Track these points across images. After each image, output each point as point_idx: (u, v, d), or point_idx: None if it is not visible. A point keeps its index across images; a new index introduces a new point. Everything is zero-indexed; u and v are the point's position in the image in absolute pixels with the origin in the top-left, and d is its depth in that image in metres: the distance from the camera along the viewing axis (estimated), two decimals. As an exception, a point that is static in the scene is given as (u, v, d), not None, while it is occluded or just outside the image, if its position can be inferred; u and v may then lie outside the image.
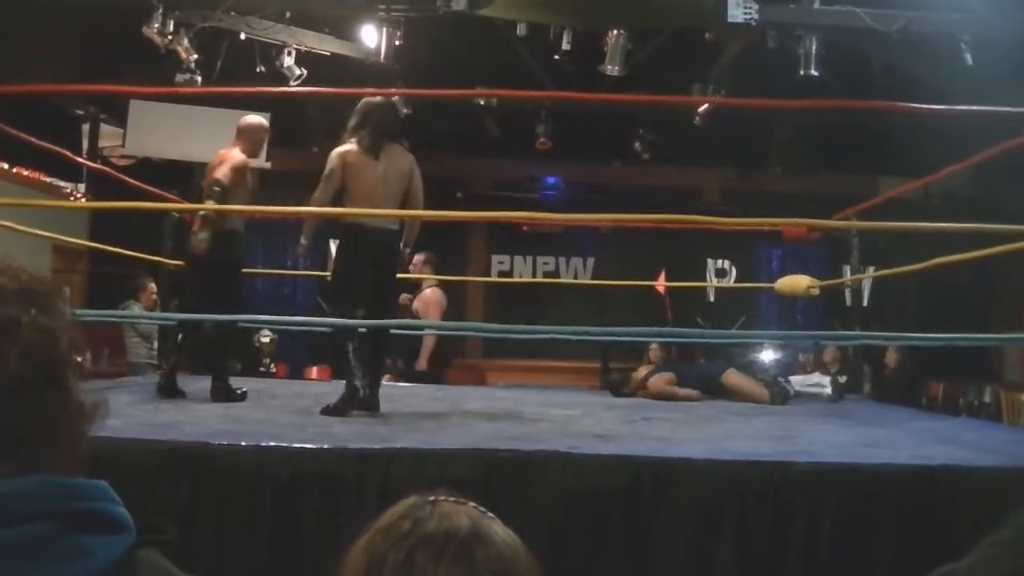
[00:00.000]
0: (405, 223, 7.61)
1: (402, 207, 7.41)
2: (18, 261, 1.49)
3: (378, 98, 7.76)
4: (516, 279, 16.70)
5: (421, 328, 11.07)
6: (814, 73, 11.04)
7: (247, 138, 8.53)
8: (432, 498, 1.46)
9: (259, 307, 15.36)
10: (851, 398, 10.77)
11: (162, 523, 1.52)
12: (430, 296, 11.54)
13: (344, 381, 7.16)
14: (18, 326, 1.38)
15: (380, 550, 1.39)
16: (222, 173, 7.98)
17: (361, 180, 7.35)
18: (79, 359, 1.49)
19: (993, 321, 15.34)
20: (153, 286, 12.53)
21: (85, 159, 13.95)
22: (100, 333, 13.88)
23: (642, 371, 10.61)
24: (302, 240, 7.86)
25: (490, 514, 1.47)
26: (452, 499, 1.46)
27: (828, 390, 10.83)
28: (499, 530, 1.43)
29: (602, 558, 4.51)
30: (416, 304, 11.54)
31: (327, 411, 6.85)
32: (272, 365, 13.81)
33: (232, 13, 11.34)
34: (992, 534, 1.71)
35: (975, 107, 8.95)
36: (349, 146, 7.42)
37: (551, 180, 16.81)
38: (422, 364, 11.40)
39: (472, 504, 1.47)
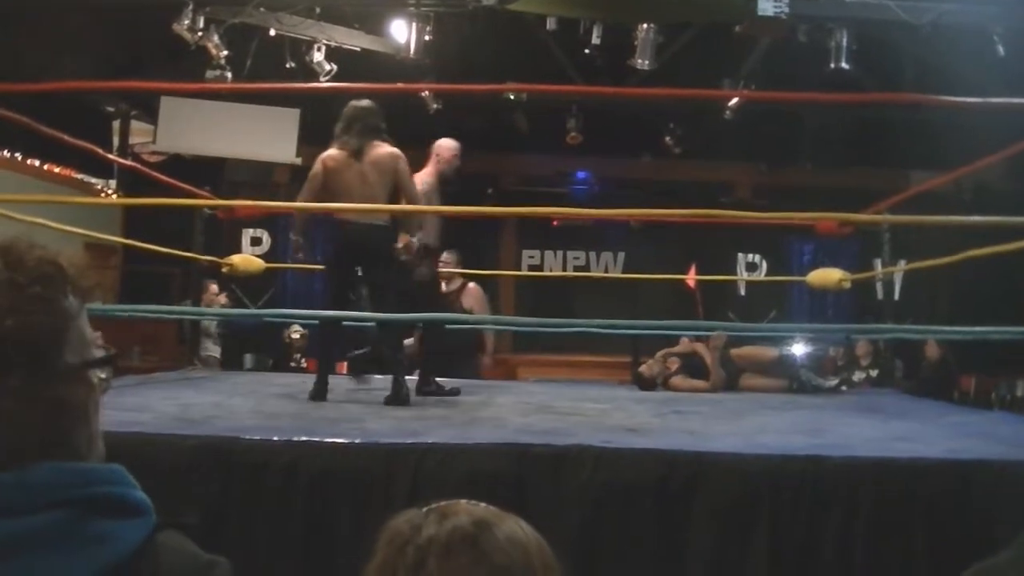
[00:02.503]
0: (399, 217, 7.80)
1: (394, 201, 7.59)
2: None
3: (363, 101, 7.93)
4: (546, 274, 16.68)
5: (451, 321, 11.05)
6: (845, 67, 11.01)
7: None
8: (427, 508, 1.47)
9: (289, 302, 15.43)
10: (883, 392, 10.73)
11: (185, 508, 1.53)
12: (475, 291, 11.40)
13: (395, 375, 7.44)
14: (22, 290, 1.39)
15: (389, 563, 1.40)
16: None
17: (338, 181, 7.59)
18: (104, 349, 1.49)
19: (1026, 314, 15.26)
20: (215, 287, 12.65)
21: (116, 156, 14.03)
22: (132, 329, 13.94)
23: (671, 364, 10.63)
24: (292, 236, 8.34)
25: (489, 507, 1.48)
26: (445, 502, 1.48)
27: (833, 382, 10.78)
28: (506, 521, 1.46)
29: (635, 552, 4.50)
30: (469, 302, 11.38)
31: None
32: (303, 360, 13.83)
33: (262, 9, 11.38)
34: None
35: (1007, 100, 8.91)
36: (331, 150, 7.69)
37: (581, 175, 16.79)
38: (488, 361, 11.35)
39: (467, 501, 1.49)
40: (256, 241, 16.16)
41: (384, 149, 7.57)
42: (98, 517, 1.35)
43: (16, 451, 1.35)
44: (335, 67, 12.23)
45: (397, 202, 7.62)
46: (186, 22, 10.84)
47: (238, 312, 12.75)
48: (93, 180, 15.62)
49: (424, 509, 1.48)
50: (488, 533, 1.41)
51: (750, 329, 11.24)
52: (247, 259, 11.19)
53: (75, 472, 1.37)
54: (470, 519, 1.43)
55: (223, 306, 12.78)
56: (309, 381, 8.12)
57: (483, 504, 1.49)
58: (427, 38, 11.71)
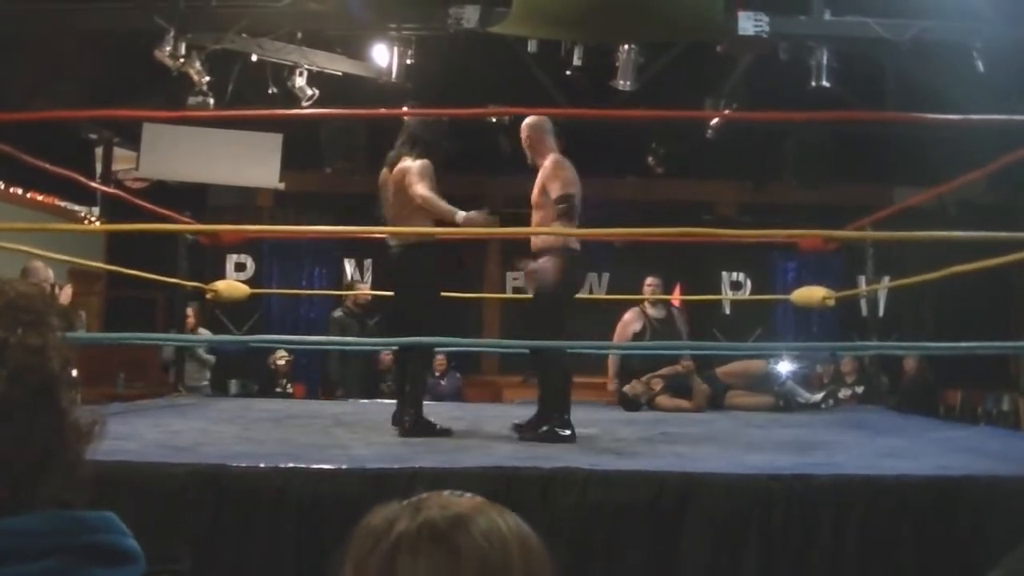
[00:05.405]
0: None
1: (415, 211, 7.08)
2: (5, 275, 1.47)
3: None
4: (531, 296, 16.62)
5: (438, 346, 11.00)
6: (826, 84, 11.05)
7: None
8: (406, 500, 1.41)
9: (274, 328, 15.41)
10: (869, 408, 10.74)
11: (174, 552, 1.52)
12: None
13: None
14: (5, 347, 1.37)
15: (362, 557, 1.35)
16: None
17: (381, 197, 7.40)
18: (73, 375, 1.46)
19: (1011, 329, 15.29)
20: (191, 319, 12.54)
21: (99, 183, 14.00)
22: (117, 356, 13.90)
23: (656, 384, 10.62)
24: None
25: (474, 498, 1.42)
26: (426, 494, 1.42)
27: (818, 396, 10.80)
28: (486, 514, 1.38)
29: (625, 574, 4.49)
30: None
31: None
32: (288, 386, 13.81)
33: (244, 35, 11.37)
34: (1017, 548, 1.69)
35: (989, 116, 8.95)
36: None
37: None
38: (610, 384, 11.17)
39: (449, 492, 1.43)
40: (240, 267, 16.12)
41: (403, 163, 7.13)
42: (90, 565, 1.34)
43: (8, 499, 1.34)
44: (317, 92, 12.23)
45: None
46: (168, 48, 10.80)
47: (223, 338, 12.73)
48: (76, 207, 15.60)
49: (403, 502, 1.41)
50: (461, 528, 1.34)
51: (735, 348, 11.25)
52: (231, 285, 11.17)
53: (69, 520, 1.36)
54: (443, 513, 1.36)
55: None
56: (295, 407, 8.11)
57: (468, 495, 1.43)
58: (409, 61, 11.72)
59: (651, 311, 11.09)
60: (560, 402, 6.93)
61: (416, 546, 1.32)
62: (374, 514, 1.42)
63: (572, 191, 7.19)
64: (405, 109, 7.95)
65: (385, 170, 7.34)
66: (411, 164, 7.08)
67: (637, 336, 10.88)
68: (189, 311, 12.40)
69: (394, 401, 7.51)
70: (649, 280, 11.19)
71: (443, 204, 7.03)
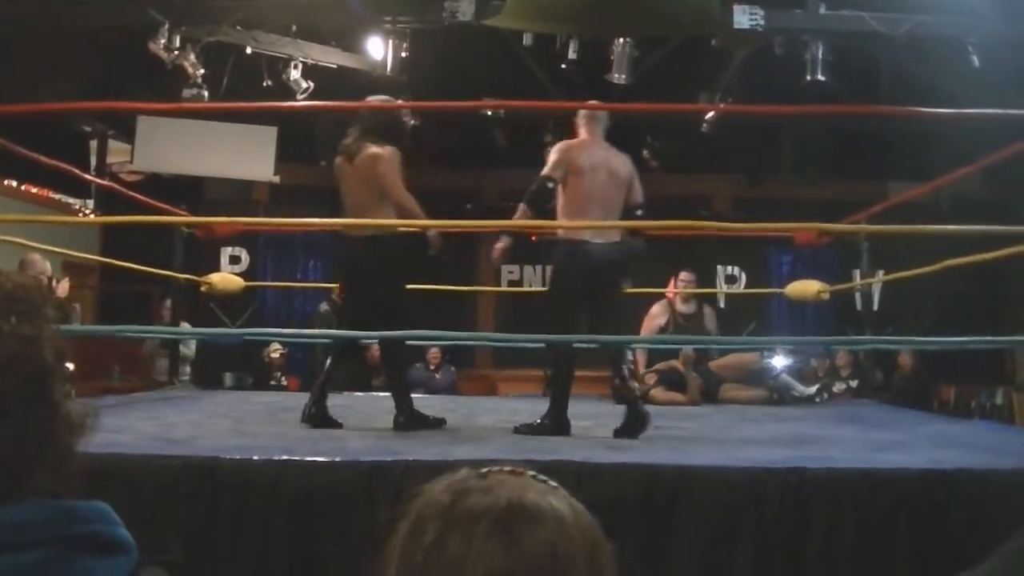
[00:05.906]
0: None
1: (382, 200, 6.97)
2: (2, 268, 1.47)
3: (378, 96, 7.66)
4: (526, 289, 16.62)
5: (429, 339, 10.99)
6: (821, 78, 11.05)
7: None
8: (484, 470, 1.36)
9: (269, 320, 15.41)
10: (863, 402, 10.75)
11: (166, 543, 1.51)
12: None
13: None
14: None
15: (420, 522, 1.31)
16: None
17: (341, 187, 7.20)
18: (68, 367, 1.46)
19: (1005, 323, 15.29)
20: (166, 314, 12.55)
21: (93, 176, 13.98)
22: (111, 349, 13.89)
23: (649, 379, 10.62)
24: None
25: (552, 483, 1.37)
26: (507, 469, 1.37)
27: (812, 389, 10.82)
28: (553, 504, 1.32)
29: (619, 568, 4.48)
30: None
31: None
32: (283, 379, 13.80)
33: (238, 27, 11.36)
34: (1010, 540, 1.69)
35: (983, 110, 8.95)
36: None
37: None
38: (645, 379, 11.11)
39: (531, 474, 1.37)
40: (235, 259, 16.09)
41: (368, 151, 6.92)
42: (80, 555, 1.34)
43: (3, 495, 1.34)
44: (312, 85, 12.21)
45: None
46: (162, 41, 10.79)
47: (218, 331, 12.70)
48: (71, 200, 15.59)
49: (473, 473, 1.35)
50: (527, 524, 1.27)
51: (729, 342, 11.26)
52: (226, 278, 11.16)
53: (59, 510, 1.36)
54: (513, 500, 1.29)
55: None
56: (290, 399, 8.07)
57: (547, 482, 1.37)
58: (403, 54, 11.71)
59: (680, 306, 11.09)
60: (559, 397, 6.99)
61: (473, 530, 1.26)
62: (442, 479, 1.36)
63: (547, 172, 7.50)
64: (400, 103, 7.90)
65: (340, 159, 7.16)
66: (380, 151, 6.94)
67: (661, 330, 10.88)
68: (169, 303, 12.38)
69: (387, 394, 7.49)
70: (682, 275, 11.18)
71: (416, 206, 7.00)
